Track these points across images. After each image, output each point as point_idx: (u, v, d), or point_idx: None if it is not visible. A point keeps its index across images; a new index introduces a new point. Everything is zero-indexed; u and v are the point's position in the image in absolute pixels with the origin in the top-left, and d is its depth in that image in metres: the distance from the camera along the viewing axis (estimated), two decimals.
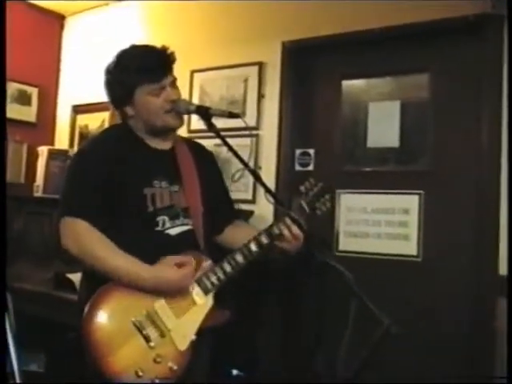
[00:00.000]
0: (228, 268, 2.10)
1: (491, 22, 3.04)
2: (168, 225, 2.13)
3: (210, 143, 2.61)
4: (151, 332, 1.99)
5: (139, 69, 2.11)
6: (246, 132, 3.41)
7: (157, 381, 1.95)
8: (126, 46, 2.22)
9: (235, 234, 2.36)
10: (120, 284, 1.99)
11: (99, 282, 1.99)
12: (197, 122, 3.64)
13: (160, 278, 2.00)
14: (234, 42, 3.98)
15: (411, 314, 3.09)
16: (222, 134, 2.13)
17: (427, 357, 3.14)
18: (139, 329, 1.97)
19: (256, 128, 3.79)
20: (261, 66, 3.85)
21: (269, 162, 3.76)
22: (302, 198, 2.16)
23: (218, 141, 2.13)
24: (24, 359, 2.23)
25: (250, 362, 3.47)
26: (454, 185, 3.24)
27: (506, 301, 2.52)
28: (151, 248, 2.06)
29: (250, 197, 3.76)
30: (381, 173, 3.51)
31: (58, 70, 5.12)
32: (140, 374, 1.93)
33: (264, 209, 3.57)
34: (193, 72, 4.15)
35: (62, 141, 5.02)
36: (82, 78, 4.84)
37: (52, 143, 4.98)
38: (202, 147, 2.47)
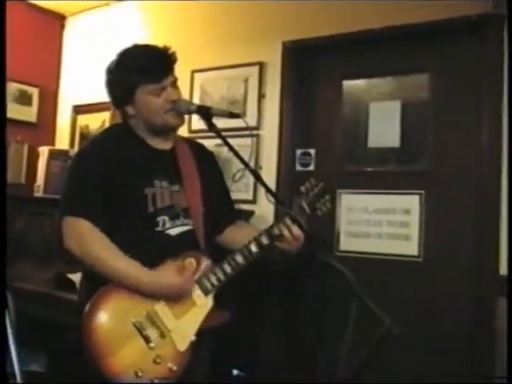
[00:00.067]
0: (228, 269, 2.10)
1: (492, 22, 3.04)
2: (168, 225, 2.12)
3: (210, 143, 2.61)
4: (151, 333, 1.99)
5: (140, 68, 2.11)
6: (247, 132, 3.41)
7: (156, 381, 1.96)
8: (126, 46, 2.22)
9: (236, 235, 2.35)
10: (120, 285, 1.99)
11: (99, 282, 2.00)
12: (197, 122, 3.64)
13: (160, 284, 2.00)
14: (234, 42, 3.98)
15: (412, 314, 3.09)
16: (223, 134, 2.13)
17: (428, 357, 3.14)
18: (139, 329, 1.97)
19: (257, 128, 3.78)
20: (261, 66, 3.85)
21: (269, 162, 3.76)
22: (303, 199, 2.15)
23: (218, 141, 2.14)
24: (25, 359, 2.23)
25: (250, 362, 3.48)
26: (455, 185, 3.24)
27: (506, 301, 2.52)
28: (151, 248, 2.06)
29: (250, 197, 3.76)
30: (382, 173, 3.51)
31: (58, 71, 5.12)
32: (140, 374, 1.94)
33: (265, 209, 3.57)
34: (193, 72, 4.15)
35: (62, 141, 5.02)
36: (82, 79, 4.84)
37: (53, 143, 4.98)
38: (202, 147, 2.47)
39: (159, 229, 2.11)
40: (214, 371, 2.42)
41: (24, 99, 4.78)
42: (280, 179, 3.71)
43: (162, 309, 2.02)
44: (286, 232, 2.10)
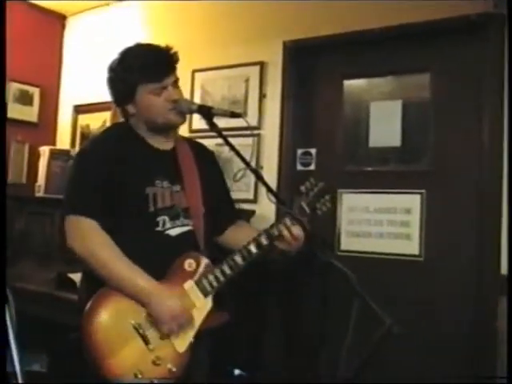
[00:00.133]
0: (227, 270, 2.10)
1: (493, 21, 3.04)
2: (168, 225, 2.12)
3: (211, 143, 2.62)
4: (150, 334, 1.99)
5: (142, 67, 2.11)
6: (248, 132, 3.42)
7: (155, 381, 1.96)
8: (127, 45, 2.22)
9: (236, 235, 2.35)
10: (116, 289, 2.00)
11: (99, 282, 2.00)
12: (198, 122, 3.64)
13: (158, 302, 1.99)
14: (235, 41, 3.99)
15: (413, 314, 3.09)
16: (224, 133, 2.13)
17: (428, 356, 3.14)
18: (138, 331, 1.97)
19: (258, 128, 3.79)
20: (262, 65, 3.85)
21: (270, 161, 3.76)
22: (303, 199, 2.15)
23: (219, 140, 2.14)
24: (26, 359, 2.23)
25: (251, 363, 3.48)
26: (456, 184, 3.24)
27: (506, 301, 2.52)
28: (151, 248, 2.06)
29: (251, 196, 3.76)
30: (382, 172, 3.51)
31: (59, 70, 5.12)
32: (139, 376, 1.94)
33: (266, 208, 3.57)
34: (194, 72, 4.15)
35: (63, 141, 5.02)
36: (83, 78, 4.85)
37: (53, 143, 4.99)
38: (203, 147, 2.47)
39: (159, 229, 2.11)
40: (215, 372, 2.42)
41: (25, 99, 4.79)
42: (281, 179, 3.71)
43: None
44: (285, 232, 2.10)
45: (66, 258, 3.40)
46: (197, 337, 2.06)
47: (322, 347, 3.44)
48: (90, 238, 2.02)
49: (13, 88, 4.66)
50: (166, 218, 2.12)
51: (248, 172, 2.21)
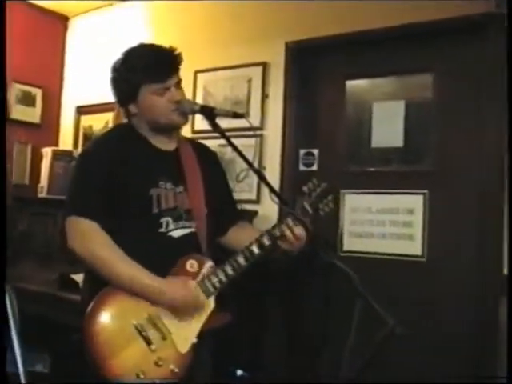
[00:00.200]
0: (230, 270, 2.10)
1: (495, 21, 3.03)
2: (172, 227, 2.12)
3: (214, 143, 2.62)
4: (152, 335, 1.99)
5: (145, 67, 2.11)
6: (250, 132, 3.43)
7: (157, 381, 1.96)
8: (129, 46, 2.22)
9: (239, 236, 2.35)
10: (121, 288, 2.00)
11: (102, 283, 2.00)
12: (201, 123, 3.63)
13: (165, 292, 2.00)
14: (237, 42, 3.99)
15: (415, 314, 3.08)
16: (227, 134, 2.13)
17: (431, 357, 3.13)
18: (140, 332, 1.97)
19: (260, 128, 3.79)
20: (264, 66, 3.85)
21: (273, 162, 3.76)
22: (305, 199, 2.15)
23: (222, 141, 2.14)
24: (29, 360, 2.23)
25: (253, 363, 3.47)
26: (458, 184, 3.24)
27: (506, 301, 2.52)
28: (154, 250, 2.05)
29: (254, 197, 3.76)
30: (385, 173, 3.50)
31: (61, 71, 5.13)
32: (141, 376, 1.94)
33: (268, 209, 3.57)
34: (196, 72, 4.15)
35: (66, 142, 5.03)
36: (85, 79, 4.85)
37: (56, 144, 4.99)
38: (205, 148, 2.46)
39: (162, 230, 2.11)
40: (217, 372, 2.42)
41: (27, 100, 4.79)
42: (283, 179, 3.71)
43: (163, 311, 2.02)
44: (287, 233, 2.10)
45: (69, 259, 3.40)
46: (199, 337, 2.06)
47: (324, 347, 3.44)
48: (90, 238, 2.02)
49: (15, 89, 4.67)
50: (170, 219, 2.12)
51: (251, 172, 2.21)
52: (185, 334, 2.03)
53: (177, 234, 2.13)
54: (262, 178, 2.18)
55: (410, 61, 3.43)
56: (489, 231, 3.05)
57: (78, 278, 3.26)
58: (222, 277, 2.09)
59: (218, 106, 3.08)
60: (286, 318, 3.65)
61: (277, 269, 3.28)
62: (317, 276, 3.35)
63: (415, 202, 3.33)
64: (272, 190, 2.12)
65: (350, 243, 3.53)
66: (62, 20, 5.10)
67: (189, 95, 2.55)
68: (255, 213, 3.65)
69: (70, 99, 5.06)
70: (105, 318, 1.96)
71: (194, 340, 2.05)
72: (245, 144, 2.65)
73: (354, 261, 3.25)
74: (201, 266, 2.10)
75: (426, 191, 3.31)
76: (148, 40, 2.83)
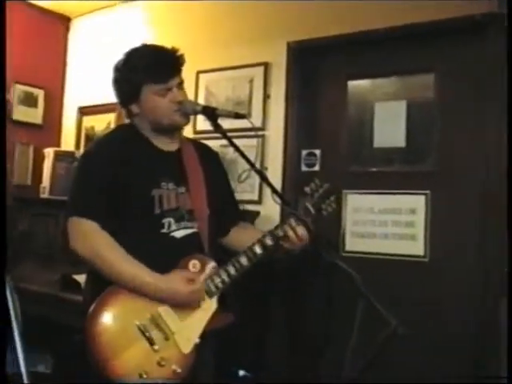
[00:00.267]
0: (232, 270, 2.10)
1: (497, 21, 3.02)
2: (174, 227, 2.12)
3: (215, 144, 2.62)
4: (155, 335, 1.99)
5: (147, 68, 2.11)
6: (252, 133, 3.43)
7: (160, 381, 1.96)
8: (131, 46, 2.23)
9: (240, 236, 2.35)
10: (124, 287, 1.99)
11: (104, 284, 2.00)
12: (203, 123, 3.64)
13: (168, 289, 2.00)
14: (239, 42, 3.99)
15: (418, 315, 3.08)
16: (228, 134, 2.13)
17: (434, 357, 3.13)
18: (143, 332, 1.97)
19: (262, 129, 3.79)
20: (266, 66, 3.85)
21: (275, 162, 3.75)
22: (308, 200, 2.15)
23: (224, 141, 2.14)
24: (31, 360, 2.23)
25: (255, 363, 3.47)
26: (461, 185, 3.23)
27: (506, 300, 2.52)
28: (156, 250, 2.06)
29: (256, 197, 3.76)
30: (387, 173, 3.50)
31: (63, 72, 5.14)
32: (144, 376, 1.94)
33: (270, 209, 3.57)
34: (198, 73, 4.15)
35: (68, 142, 5.03)
36: (87, 80, 4.86)
37: (58, 145, 5.00)
38: (207, 148, 2.46)
39: (164, 231, 2.11)
40: (220, 373, 2.42)
41: (29, 101, 4.80)
42: (285, 180, 3.71)
43: (166, 311, 2.02)
44: (290, 233, 2.10)
45: (71, 260, 3.40)
46: (202, 338, 2.06)
47: (326, 348, 3.44)
48: (92, 239, 2.02)
49: (17, 90, 4.68)
50: (172, 219, 2.12)
51: (252, 173, 2.21)
52: (188, 335, 2.03)
53: (179, 234, 2.13)
54: (263, 179, 2.18)
55: (412, 61, 3.43)
56: (491, 231, 3.04)
57: (80, 278, 3.26)
58: (225, 277, 2.09)
59: (220, 106, 3.07)
60: (289, 319, 3.65)
61: (279, 269, 3.28)
62: (319, 276, 3.36)
63: (417, 202, 3.33)
64: (274, 190, 2.12)
65: (352, 243, 3.53)
66: (64, 21, 5.11)
67: (191, 95, 2.56)
68: (257, 213, 3.65)
69: (72, 100, 5.07)
70: (107, 318, 1.96)
71: (197, 340, 2.04)
72: (247, 144, 2.65)
73: (356, 261, 3.26)
74: (203, 266, 2.10)
75: (428, 191, 3.31)
76: (150, 41, 2.83)
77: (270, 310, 3.62)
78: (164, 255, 2.05)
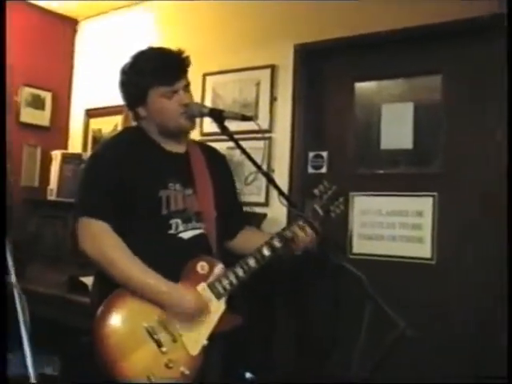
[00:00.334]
0: (240, 272, 2.10)
1: (503, 22, 3.01)
2: (181, 228, 2.12)
3: (222, 146, 2.62)
4: (163, 337, 1.99)
5: (153, 70, 2.12)
6: (259, 135, 3.42)
7: (168, 382, 1.96)
8: (138, 49, 2.23)
9: (247, 240, 2.36)
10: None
11: (111, 285, 2.00)
12: (210, 125, 3.65)
13: (174, 297, 2.01)
14: (246, 45, 3.99)
15: (425, 317, 3.07)
16: (235, 136, 2.14)
17: (442, 359, 3.12)
18: (151, 334, 1.97)
19: (269, 131, 3.78)
20: (273, 68, 3.85)
21: (282, 164, 3.75)
22: (316, 202, 2.15)
23: (230, 144, 2.14)
24: (39, 362, 2.24)
25: (263, 365, 3.47)
26: (468, 186, 3.22)
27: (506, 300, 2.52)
28: (163, 251, 2.06)
29: (262, 200, 3.74)
30: (394, 175, 3.49)
31: (71, 75, 5.15)
32: (152, 379, 1.94)
33: (277, 211, 3.56)
34: (205, 75, 4.15)
35: (75, 145, 5.05)
36: (94, 82, 4.87)
37: (65, 147, 5.01)
38: (214, 150, 2.47)
39: (172, 232, 2.11)
40: (227, 374, 2.42)
41: (37, 103, 4.82)
42: (292, 182, 3.70)
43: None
44: (298, 235, 2.11)
45: (78, 262, 3.42)
46: (210, 340, 2.06)
47: (333, 350, 3.43)
48: (100, 239, 2.02)
49: (25, 92, 4.69)
50: (179, 220, 2.12)
51: (259, 175, 2.23)
52: (195, 337, 2.04)
53: (187, 235, 2.13)
54: (270, 181, 2.19)
55: (419, 63, 3.42)
56: (498, 233, 3.03)
57: (88, 280, 3.27)
58: (233, 279, 2.10)
59: (227, 108, 3.08)
60: (296, 320, 3.64)
61: (286, 271, 3.28)
62: (326, 278, 3.35)
63: (424, 205, 3.32)
64: (281, 192, 2.12)
65: (359, 245, 3.53)
66: (71, 23, 5.12)
67: (197, 98, 2.57)
68: (264, 215, 3.64)
69: (80, 102, 5.09)
70: (115, 320, 1.96)
71: (205, 342, 2.05)
72: (253, 147, 2.64)
73: (364, 263, 3.24)
74: (211, 268, 2.10)
75: (435, 193, 3.30)
76: (156, 43, 2.84)
77: (277, 312, 3.62)
78: (172, 256, 2.06)
